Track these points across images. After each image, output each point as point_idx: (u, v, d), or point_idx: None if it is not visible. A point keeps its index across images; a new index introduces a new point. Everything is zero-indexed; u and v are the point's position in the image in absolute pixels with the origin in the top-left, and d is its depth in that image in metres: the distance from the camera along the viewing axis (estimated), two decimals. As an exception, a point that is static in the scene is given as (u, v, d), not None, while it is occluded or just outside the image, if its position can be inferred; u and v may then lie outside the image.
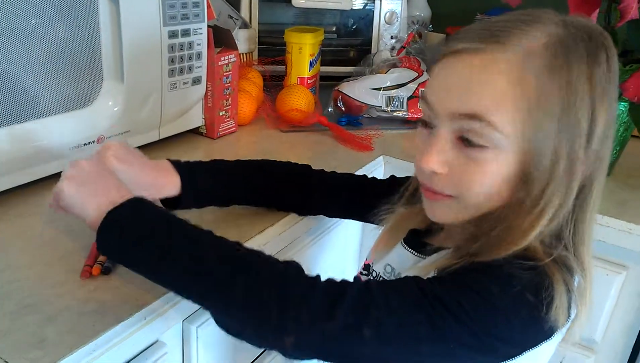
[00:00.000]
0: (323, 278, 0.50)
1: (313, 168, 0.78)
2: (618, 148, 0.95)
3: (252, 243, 0.72)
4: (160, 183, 0.66)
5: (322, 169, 0.78)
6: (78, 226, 0.71)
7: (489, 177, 0.52)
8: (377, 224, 0.71)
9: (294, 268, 0.51)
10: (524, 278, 0.48)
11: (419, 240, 0.62)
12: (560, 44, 0.50)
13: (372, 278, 0.66)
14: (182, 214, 0.57)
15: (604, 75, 0.50)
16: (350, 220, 0.93)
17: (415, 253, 0.60)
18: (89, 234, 0.69)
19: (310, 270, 0.88)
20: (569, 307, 0.50)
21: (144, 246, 0.52)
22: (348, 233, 1.00)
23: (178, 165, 0.68)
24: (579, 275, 0.52)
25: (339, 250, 0.99)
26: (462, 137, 0.51)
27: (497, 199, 0.53)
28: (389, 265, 0.63)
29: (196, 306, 0.64)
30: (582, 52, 0.50)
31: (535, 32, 0.50)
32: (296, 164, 0.78)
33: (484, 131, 0.50)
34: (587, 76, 0.49)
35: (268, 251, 0.73)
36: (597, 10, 0.83)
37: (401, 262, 0.62)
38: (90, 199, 0.54)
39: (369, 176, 0.79)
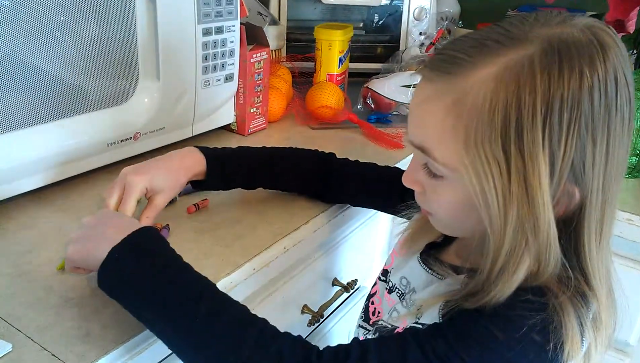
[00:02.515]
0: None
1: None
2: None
3: (286, 241, 0.73)
4: (188, 164, 0.70)
5: (346, 158, 0.80)
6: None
7: (448, 205, 0.52)
8: (402, 218, 0.72)
9: (290, 343, 0.49)
10: (530, 317, 0.46)
11: (434, 254, 0.61)
12: (512, 74, 0.45)
13: (388, 287, 0.66)
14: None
15: (580, 103, 0.44)
16: (378, 217, 0.94)
17: (429, 271, 0.59)
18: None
19: (340, 270, 0.88)
20: (582, 341, 0.48)
21: (134, 291, 0.52)
22: (375, 233, 1.00)
23: (202, 148, 0.73)
24: (594, 302, 0.50)
25: (365, 250, 0.99)
26: (425, 163, 0.52)
27: (470, 224, 0.51)
28: (404, 277, 0.63)
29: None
30: (541, 82, 0.44)
31: (492, 60, 0.46)
32: (321, 152, 0.80)
33: (432, 164, 0.50)
34: (543, 109, 0.44)
35: (299, 251, 0.75)
36: (638, 8, 0.81)
37: (415, 277, 0.61)
38: (93, 251, 0.54)
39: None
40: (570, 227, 0.49)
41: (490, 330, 0.46)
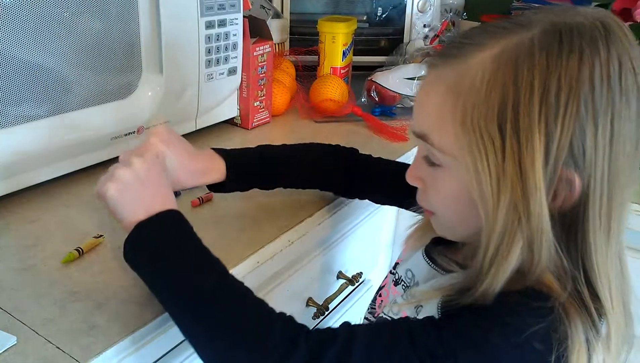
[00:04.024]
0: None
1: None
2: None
3: (291, 234, 0.72)
4: (205, 168, 0.66)
5: (369, 155, 0.78)
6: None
7: (445, 197, 0.51)
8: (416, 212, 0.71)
9: (281, 324, 0.49)
10: (533, 324, 0.44)
11: (440, 249, 0.60)
12: (511, 54, 0.45)
13: (395, 279, 0.65)
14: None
15: (579, 83, 0.43)
16: (384, 210, 0.93)
17: (432, 265, 0.59)
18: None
19: (345, 264, 0.88)
20: (589, 354, 0.46)
21: (156, 270, 0.52)
22: (381, 226, 0.99)
23: (222, 151, 0.69)
24: (605, 319, 0.48)
25: (371, 243, 0.98)
26: (426, 155, 0.51)
27: (470, 222, 0.50)
28: (410, 270, 0.62)
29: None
30: (540, 60, 0.44)
31: (494, 43, 0.46)
32: (343, 147, 0.78)
33: (432, 150, 0.50)
34: (540, 89, 0.43)
35: (304, 244, 0.75)
36: (644, -3, 0.80)
37: (419, 271, 0.61)
38: (129, 207, 0.54)
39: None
40: (575, 222, 0.47)
41: (488, 333, 0.45)
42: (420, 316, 0.52)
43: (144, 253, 0.53)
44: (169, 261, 0.52)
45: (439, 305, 0.50)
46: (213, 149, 0.69)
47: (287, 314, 0.50)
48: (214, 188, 0.69)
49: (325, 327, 0.89)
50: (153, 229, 0.53)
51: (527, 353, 0.44)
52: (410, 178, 0.55)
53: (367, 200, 0.83)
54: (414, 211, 0.71)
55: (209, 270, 0.52)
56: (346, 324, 0.49)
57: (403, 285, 0.63)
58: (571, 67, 0.43)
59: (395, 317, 0.58)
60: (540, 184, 0.44)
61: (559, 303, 0.45)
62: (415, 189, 0.66)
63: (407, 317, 0.52)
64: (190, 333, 0.50)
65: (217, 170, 0.67)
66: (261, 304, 0.50)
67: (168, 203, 0.55)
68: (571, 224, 0.47)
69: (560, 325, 0.45)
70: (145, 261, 0.53)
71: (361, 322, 0.71)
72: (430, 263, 0.59)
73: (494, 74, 0.45)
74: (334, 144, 0.78)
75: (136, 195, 0.54)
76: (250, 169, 0.71)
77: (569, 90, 0.43)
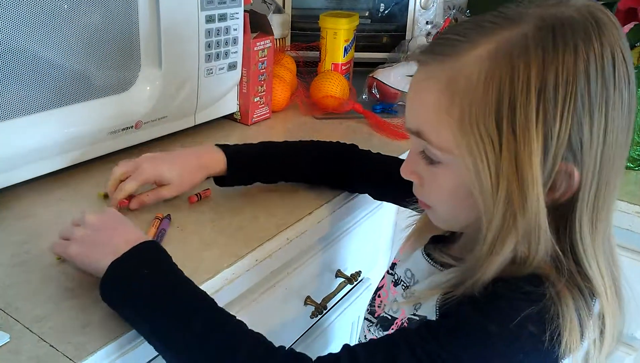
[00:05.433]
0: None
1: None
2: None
3: (289, 232, 0.72)
4: (205, 162, 0.71)
5: (369, 150, 0.80)
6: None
7: (444, 192, 0.51)
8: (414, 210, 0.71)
9: (282, 357, 0.48)
10: (526, 308, 0.45)
11: (439, 246, 0.60)
12: (506, 50, 0.44)
13: (394, 279, 0.65)
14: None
15: (576, 77, 0.43)
16: (383, 209, 0.93)
17: (432, 263, 0.59)
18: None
19: (344, 262, 0.87)
20: (582, 333, 0.47)
21: (128, 308, 0.52)
22: (380, 225, 0.98)
23: (223, 146, 0.72)
24: (598, 300, 0.49)
25: (370, 242, 0.98)
26: (422, 150, 0.52)
27: (467, 213, 0.50)
28: (409, 270, 0.62)
29: (235, 293, 0.65)
30: (535, 56, 0.44)
31: (486, 39, 0.46)
32: (343, 144, 0.80)
33: (428, 147, 0.50)
34: (537, 85, 0.43)
35: (302, 242, 0.74)
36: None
37: (419, 270, 0.61)
38: (95, 257, 0.53)
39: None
40: (567, 208, 0.48)
41: (484, 324, 0.45)
42: (419, 313, 0.53)
43: (116, 294, 0.52)
44: (140, 300, 0.51)
45: (437, 302, 0.51)
46: (216, 144, 0.72)
47: (286, 347, 0.49)
48: (220, 181, 0.73)
49: (324, 325, 0.89)
50: (123, 267, 0.52)
51: (524, 337, 0.44)
52: (406, 173, 0.55)
53: (367, 199, 0.83)
54: (412, 209, 0.71)
55: (183, 308, 0.50)
56: (346, 346, 0.49)
57: (403, 284, 0.63)
58: (567, 62, 0.43)
59: (395, 315, 0.58)
60: (537, 180, 0.45)
61: (552, 286, 0.46)
62: (408, 184, 0.66)
63: (404, 328, 0.52)
64: None
65: (218, 161, 0.71)
66: (259, 339, 0.49)
67: (133, 240, 0.54)
68: (562, 210, 0.48)
69: (552, 306, 0.45)
70: (118, 301, 0.52)
71: (361, 322, 0.71)
72: (430, 261, 0.59)
73: (490, 72, 0.45)
74: (334, 141, 0.79)
75: (101, 246, 0.54)
76: (251, 161, 0.74)
77: (566, 85, 0.44)
